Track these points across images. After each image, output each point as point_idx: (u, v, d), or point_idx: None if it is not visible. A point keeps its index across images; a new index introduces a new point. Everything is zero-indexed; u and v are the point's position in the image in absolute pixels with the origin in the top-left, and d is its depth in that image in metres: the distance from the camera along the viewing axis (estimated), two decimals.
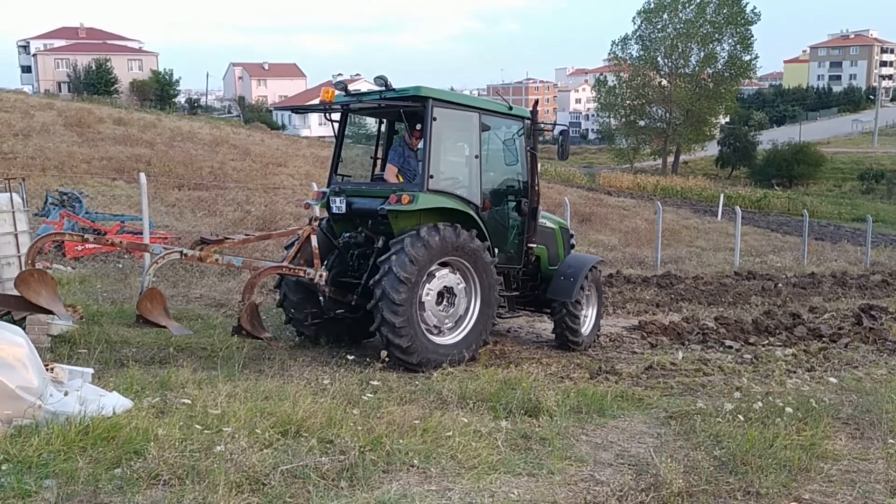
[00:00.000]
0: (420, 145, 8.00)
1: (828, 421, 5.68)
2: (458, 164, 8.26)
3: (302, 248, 7.75)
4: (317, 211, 9.16)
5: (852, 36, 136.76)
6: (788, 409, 5.68)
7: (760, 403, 5.83)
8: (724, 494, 4.33)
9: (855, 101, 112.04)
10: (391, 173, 8.26)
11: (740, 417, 5.55)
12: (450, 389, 6.19)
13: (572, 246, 9.91)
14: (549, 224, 9.30)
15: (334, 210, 8.13)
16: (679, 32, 64.86)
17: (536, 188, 8.64)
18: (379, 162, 8.90)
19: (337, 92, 8.03)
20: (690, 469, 4.60)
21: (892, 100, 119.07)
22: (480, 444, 4.84)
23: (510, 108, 8.65)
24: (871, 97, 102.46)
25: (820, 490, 4.50)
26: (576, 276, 8.79)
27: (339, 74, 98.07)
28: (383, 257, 7.33)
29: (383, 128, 8.97)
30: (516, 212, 8.65)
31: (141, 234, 12.08)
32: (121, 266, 11.96)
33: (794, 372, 7.88)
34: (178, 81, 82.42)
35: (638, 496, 4.22)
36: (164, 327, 6.69)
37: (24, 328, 6.14)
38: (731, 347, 9.32)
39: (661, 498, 4.19)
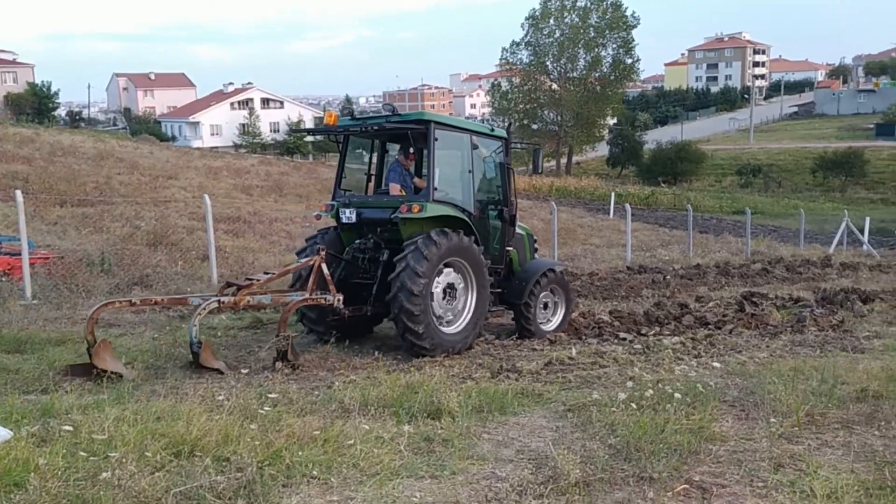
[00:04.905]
0: (412, 165, 9.54)
1: (714, 404, 5.93)
2: (455, 177, 9.43)
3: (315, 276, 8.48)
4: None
5: (726, 38, 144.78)
6: (677, 395, 5.89)
7: (651, 391, 6.03)
8: (620, 481, 4.46)
9: (731, 100, 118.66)
10: (395, 190, 9.30)
11: (633, 406, 5.72)
12: (351, 397, 6.11)
13: (535, 250, 11.05)
14: (518, 230, 10.38)
15: (344, 220, 9.23)
16: (565, 38, 66.82)
17: (513, 198, 9.90)
18: (373, 178, 9.98)
19: (341, 116, 9.38)
20: (587, 459, 4.72)
21: (765, 98, 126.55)
22: (383, 450, 4.81)
23: (492, 130, 10.05)
24: (746, 96, 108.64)
25: (709, 471, 4.68)
26: (527, 280, 9.90)
27: (230, 84, 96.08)
28: (400, 255, 8.32)
29: (375, 149, 10.02)
30: (498, 219, 9.84)
31: (20, 254, 11.44)
32: None
33: (682, 359, 8.17)
34: (57, 94, 78.22)
35: (537, 489, 4.30)
36: (219, 370, 7.38)
37: None
38: (624, 339, 9.63)
39: (559, 489, 4.28)
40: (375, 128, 8.99)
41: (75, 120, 79.40)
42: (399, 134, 9.24)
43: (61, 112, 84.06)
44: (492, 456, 4.94)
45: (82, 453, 4.40)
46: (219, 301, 7.82)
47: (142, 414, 5.30)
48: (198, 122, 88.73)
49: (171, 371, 7.50)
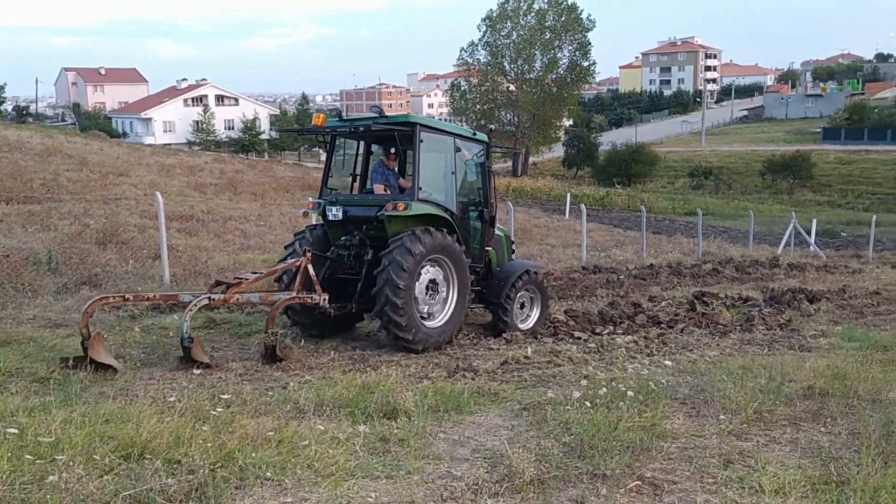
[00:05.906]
0: (394, 165, 9.89)
1: (666, 402, 6.02)
2: (438, 178, 9.73)
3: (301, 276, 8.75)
4: (313, 219, 10.57)
5: (679, 43, 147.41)
6: (630, 393, 5.97)
7: (605, 389, 6.10)
8: (573, 479, 4.50)
9: (684, 103, 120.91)
10: (380, 190, 9.63)
11: (587, 404, 5.77)
12: (306, 398, 6.06)
13: (513, 251, 11.42)
14: (497, 232, 10.73)
15: (330, 217, 9.49)
16: (522, 39, 67.20)
17: (493, 200, 10.22)
18: (358, 178, 10.32)
19: (330, 118, 9.75)
20: (541, 457, 4.75)
21: (716, 102, 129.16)
22: (338, 450, 4.78)
23: (473, 134, 10.36)
24: (698, 100, 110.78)
25: (661, 468, 4.75)
26: (506, 280, 10.22)
27: (184, 80, 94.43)
28: (386, 251, 8.61)
29: (360, 150, 10.39)
30: (478, 220, 10.23)
31: None
32: None
33: (635, 358, 8.28)
34: (3, 88, 76.08)
35: (492, 488, 4.32)
36: (209, 364, 7.59)
37: None
38: (579, 338, 9.72)
39: (514, 487, 4.31)
40: (362, 129, 9.30)
41: (22, 115, 77.37)
42: (385, 135, 9.47)
43: (7, 107, 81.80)
44: (447, 455, 4.95)
45: (28, 456, 4.28)
46: (209, 298, 8.02)
47: (90, 416, 5.18)
48: (150, 119, 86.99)
49: (121, 372, 7.33)
